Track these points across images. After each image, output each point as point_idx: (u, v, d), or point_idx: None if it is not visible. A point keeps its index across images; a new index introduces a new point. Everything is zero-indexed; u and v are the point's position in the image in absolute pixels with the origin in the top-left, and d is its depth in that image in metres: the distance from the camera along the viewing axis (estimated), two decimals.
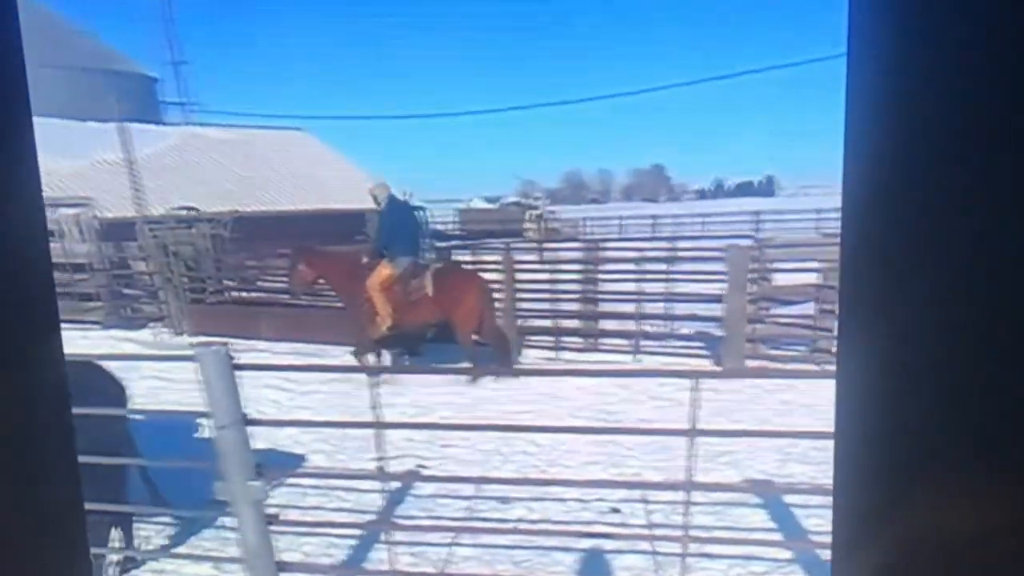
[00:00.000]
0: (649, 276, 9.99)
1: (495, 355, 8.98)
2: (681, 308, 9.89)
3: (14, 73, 0.48)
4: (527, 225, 29.36)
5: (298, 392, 8.03)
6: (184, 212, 15.45)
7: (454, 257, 12.01)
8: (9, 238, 0.49)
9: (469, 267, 10.99)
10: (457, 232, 26.84)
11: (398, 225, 8.85)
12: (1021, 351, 0.47)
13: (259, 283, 13.51)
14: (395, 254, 8.72)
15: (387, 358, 9.71)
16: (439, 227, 27.01)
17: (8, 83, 0.48)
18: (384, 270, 8.72)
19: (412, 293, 8.75)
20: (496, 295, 10.02)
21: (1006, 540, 0.48)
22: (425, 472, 5.62)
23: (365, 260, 9.14)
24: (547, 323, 10.58)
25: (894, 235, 0.51)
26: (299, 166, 28.71)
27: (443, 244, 15.25)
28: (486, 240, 19.03)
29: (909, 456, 0.52)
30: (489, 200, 35.96)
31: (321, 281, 9.60)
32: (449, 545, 4.45)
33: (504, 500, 5.08)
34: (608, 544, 4.30)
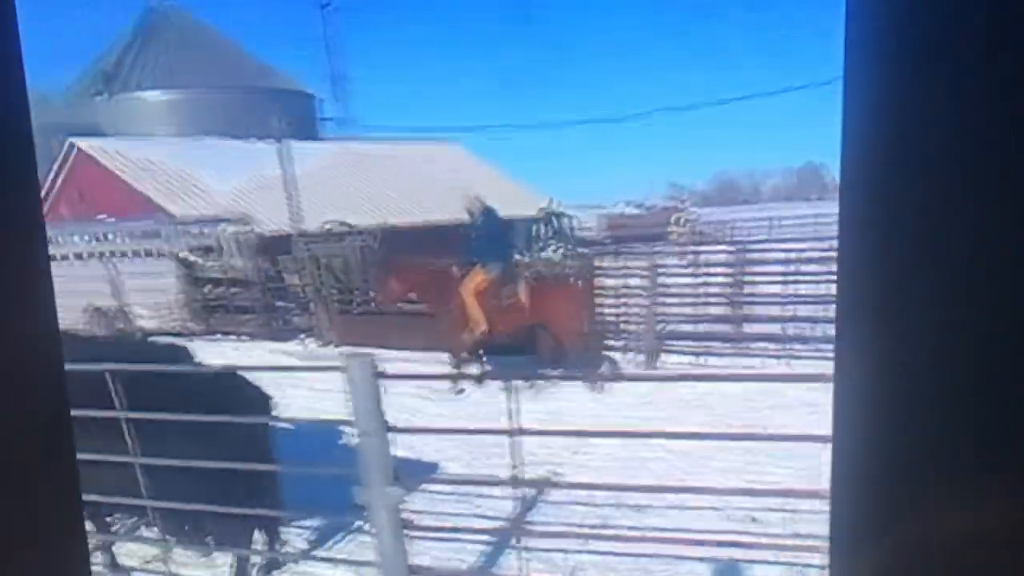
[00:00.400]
0: (798, 278, 9.64)
1: (580, 362, 9.02)
2: (831, 311, 9.47)
3: (13, 78, 0.51)
4: (673, 228, 28.97)
5: (436, 400, 8.27)
6: (336, 226, 16.15)
7: (597, 263, 12.01)
8: (7, 240, 0.51)
9: (609, 273, 10.97)
10: (603, 238, 26.76)
11: (491, 235, 9.17)
12: (1021, 351, 0.46)
13: None
14: (487, 262, 8.95)
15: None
16: (584, 233, 27.01)
17: (7, 87, 0.50)
18: (477, 277, 8.96)
19: (505, 299, 8.93)
20: (639, 300, 9.97)
21: (1006, 540, 0.48)
22: (558, 479, 5.65)
23: (455, 270, 9.35)
24: (691, 327, 10.41)
25: (893, 235, 0.51)
26: (449, 177, 29.18)
27: (586, 250, 15.26)
28: (632, 244, 18.84)
29: (909, 456, 0.52)
30: (635, 204, 35.68)
31: (412, 295, 9.89)
32: (580, 552, 4.46)
33: (638, 508, 5.04)
34: (744, 554, 4.18)
